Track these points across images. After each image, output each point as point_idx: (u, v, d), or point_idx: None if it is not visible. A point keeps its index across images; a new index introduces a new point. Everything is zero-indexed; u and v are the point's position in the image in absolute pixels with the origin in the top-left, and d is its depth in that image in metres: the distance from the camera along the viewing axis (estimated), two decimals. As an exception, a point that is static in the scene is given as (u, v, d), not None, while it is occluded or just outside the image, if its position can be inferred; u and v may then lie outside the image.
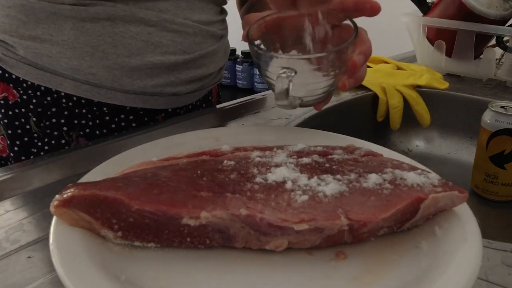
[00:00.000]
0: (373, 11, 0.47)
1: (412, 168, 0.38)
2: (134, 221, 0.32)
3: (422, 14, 0.96)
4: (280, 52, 0.51)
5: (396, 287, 0.30)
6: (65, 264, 0.28)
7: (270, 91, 0.80)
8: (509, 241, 0.39)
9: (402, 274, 0.31)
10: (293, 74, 0.43)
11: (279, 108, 0.49)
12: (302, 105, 0.50)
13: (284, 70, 0.43)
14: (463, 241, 0.32)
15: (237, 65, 2.19)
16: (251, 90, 2.16)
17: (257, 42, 0.49)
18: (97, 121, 0.61)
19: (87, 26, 0.56)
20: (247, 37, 0.47)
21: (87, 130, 0.61)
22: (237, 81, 2.22)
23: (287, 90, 0.43)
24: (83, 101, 0.60)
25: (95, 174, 0.39)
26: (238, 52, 2.17)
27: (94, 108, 0.60)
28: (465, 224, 0.34)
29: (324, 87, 0.48)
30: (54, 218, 0.32)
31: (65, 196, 0.32)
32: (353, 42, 0.45)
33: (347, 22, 0.48)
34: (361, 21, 0.48)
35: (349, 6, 0.47)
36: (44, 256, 0.35)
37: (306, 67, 0.45)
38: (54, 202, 0.32)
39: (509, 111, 0.61)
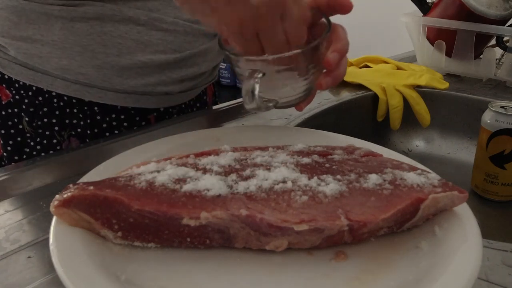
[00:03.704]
0: (345, 8, 0.46)
1: (412, 169, 0.38)
2: (134, 221, 0.32)
3: (422, 14, 0.96)
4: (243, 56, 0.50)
5: (396, 287, 0.30)
6: (65, 264, 0.28)
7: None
8: (509, 241, 0.39)
9: (402, 274, 0.31)
10: (260, 75, 0.42)
11: (250, 111, 0.48)
12: (279, 107, 0.49)
13: (251, 71, 0.42)
14: (463, 241, 0.32)
15: (237, 65, 2.18)
16: (251, 90, 2.16)
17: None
18: (88, 121, 0.61)
19: (77, 26, 0.56)
20: (219, 43, 0.47)
21: (79, 130, 0.61)
22: (237, 81, 2.22)
23: (253, 92, 0.42)
24: (74, 100, 0.60)
25: (95, 174, 0.39)
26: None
27: (85, 108, 0.60)
28: (465, 224, 0.34)
29: (300, 86, 0.47)
30: (54, 218, 0.32)
31: (65, 196, 0.32)
32: (325, 38, 0.44)
33: (324, 20, 0.47)
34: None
35: (322, 4, 0.47)
36: (44, 256, 0.35)
37: (279, 68, 0.44)
38: (54, 202, 0.32)
39: (509, 111, 0.61)
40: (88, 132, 0.62)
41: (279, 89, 0.47)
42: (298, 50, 0.43)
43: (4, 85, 0.60)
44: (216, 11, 0.39)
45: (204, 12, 0.40)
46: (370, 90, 0.82)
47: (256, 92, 0.42)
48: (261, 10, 0.38)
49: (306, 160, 0.39)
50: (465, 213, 0.35)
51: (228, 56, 0.46)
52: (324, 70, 0.48)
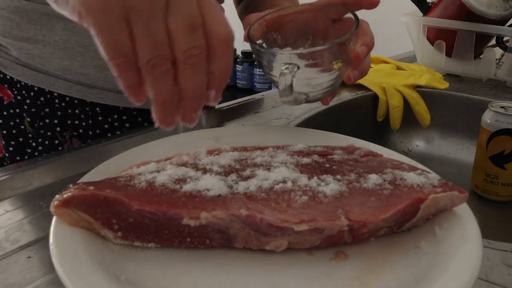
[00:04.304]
0: (372, 4, 0.47)
1: (412, 169, 0.38)
2: (134, 221, 0.32)
3: (422, 14, 0.96)
4: (281, 49, 0.50)
5: (396, 287, 0.30)
6: (65, 264, 0.28)
7: (270, 91, 0.80)
8: (509, 241, 0.39)
9: (402, 274, 0.31)
10: (295, 69, 0.43)
11: (285, 104, 0.49)
12: (308, 100, 0.49)
13: (287, 66, 0.43)
14: (463, 241, 0.32)
15: (237, 65, 2.19)
16: (251, 90, 2.16)
17: (259, 41, 0.49)
18: (90, 122, 0.61)
19: (79, 26, 0.55)
20: (248, 37, 0.47)
21: (80, 131, 0.61)
22: (237, 81, 2.22)
23: (291, 85, 0.43)
24: (75, 101, 0.60)
25: (95, 174, 0.39)
26: (238, 52, 2.17)
27: (87, 109, 0.60)
28: (465, 224, 0.34)
29: (329, 80, 0.48)
30: (54, 218, 0.32)
31: (65, 196, 0.32)
32: (355, 33, 0.45)
33: (349, 15, 0.47)
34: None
35: (348, 0, 0.47)
36: (44, 256, 0.35)
37: (311, 62, 0.45)
38: (54, 202, 0.32)
39: (509, 111, 0.61)
40: (90, 133, 0.62)
41: (310, 83, 0.47)
42: (328, 45, 0.44)
43: (6, 86, 0.60)
44: None
45: None
46: (370, 90, 0.82)
47: (294, 85, 0.43)
48: None
49: (306, 160, 0.39)
50: (465, 213, 0.35)
51: (258, 50, 0.46)
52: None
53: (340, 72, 0.47)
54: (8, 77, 0.59)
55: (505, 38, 0.88)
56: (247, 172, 0.37)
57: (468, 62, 0.90)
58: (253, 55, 0.49)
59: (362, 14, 0.48)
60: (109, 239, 0.33)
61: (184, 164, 0.38)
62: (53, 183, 0.47)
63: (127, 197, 0.32)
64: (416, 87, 0.84)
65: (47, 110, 0.60)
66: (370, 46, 0.47)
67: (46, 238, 0.35)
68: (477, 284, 0.33)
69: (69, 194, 0.32)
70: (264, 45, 0.50)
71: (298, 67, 0.43)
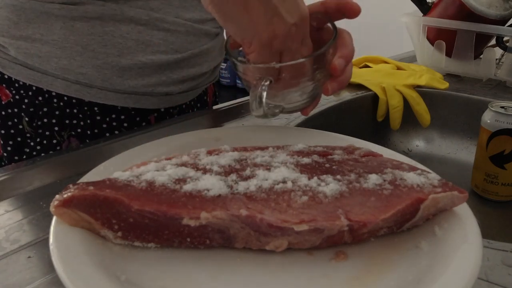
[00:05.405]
0: (353, 12, 0.47)
1: (412, 169, 0.38)
2: (134, 222, 0.32)
3: (422, 14, 0.96)
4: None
5: (396, 287, 0.30)
6: (65, 264, 0.28)
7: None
8: (509, 241, 0.39)
9: (402, 274, 0.31)
10: (267, 82, 0.42)
11: (257, 118, 0.48)
12: (285, 112, 0.49)
13: (258, 78, 0.42)
14: (463, 241, 0.32)
15: (237, 65, 2.18)
16: (251, 90, 2.16)
17: (240, 48, 0.49)
18: (88, 121, 0.61)
19: (77, 25, 0.56)
20: (225, 47, 0.47)
21: (79, 130, 0.61)
22: (237, 81, 2.23)
23: (261, 99, 0.42)
24: (74, 101, 0.60)
25: (95, 174, 0.39)
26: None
27: (85, 108, 0.60)
28: (465, 224, 0.34)
29: (306, 92, 0.47)
30: (54, 218, 0.32)
31: (65, 196, 0.32)
32: (332, 45, 0.44)
33: (328, 25, 0.47)
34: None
35: (331, 7, 0.47)
36: (44, 256, 0.35)
37: (286, 75, 0.44)
38: (54, 202, 0.32)
39: (509, 111, 0.61)
40: (88, 132, 0.62)
41: (285, 95, 0.47)
42: (305, 59, 0.43)
43: (4, 85, 0.60)
44: (253, 23, 0.40)
45: (240, 22, 0.40)
46: (370, 90, 0.82)
47: (264, 99, 0.42)
48: (292, 29, 0.41)
49: (306, 160, 0.39)
50: (465, 213, 0.35)
51: (234, 63, 0.46)
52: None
53: (318, 83, 0.47)
54: (6, 76, 0.59)
55: (505, 38, 0.88)
56: (247, 172, 0.37)
57: (468, 62, 0.90)
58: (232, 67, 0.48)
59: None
60: (109, 239, 0.33)
61: (184, 164, 0.38)
62: (53, 183, 0.47)
63: (127, 197, 0.32)
64: (416, 87, 0.84)
65: (45, 109, 0.60)
66: (348, 59, 0.47)
67: (46, 238, 0.35)
68: (477, 284, 0.33)
69: (69, 194, 0.32)
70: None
71: (271, 81, 0.42)
